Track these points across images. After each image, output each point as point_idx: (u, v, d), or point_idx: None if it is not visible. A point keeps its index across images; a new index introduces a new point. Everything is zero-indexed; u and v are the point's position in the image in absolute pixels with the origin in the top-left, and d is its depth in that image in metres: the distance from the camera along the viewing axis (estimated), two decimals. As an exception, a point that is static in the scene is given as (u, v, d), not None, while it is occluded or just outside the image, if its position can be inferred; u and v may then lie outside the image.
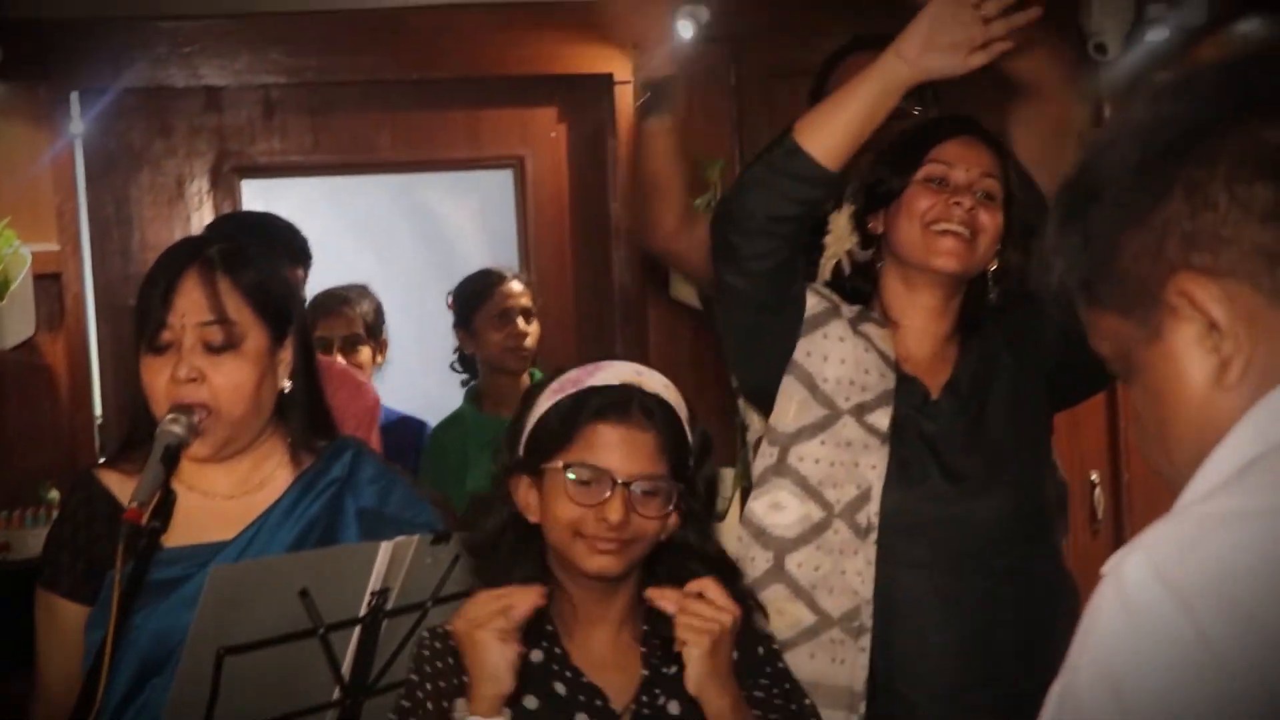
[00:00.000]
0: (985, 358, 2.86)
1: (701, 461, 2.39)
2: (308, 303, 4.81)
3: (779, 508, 2.73)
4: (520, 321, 4.76)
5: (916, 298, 2.84)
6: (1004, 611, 2.74)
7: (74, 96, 5.47)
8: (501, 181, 5.95)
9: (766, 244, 2.69)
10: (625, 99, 5.68)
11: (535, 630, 2.30)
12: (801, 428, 2.75)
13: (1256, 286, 1.20)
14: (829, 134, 2.66)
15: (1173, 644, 1.07)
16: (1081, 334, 2.77)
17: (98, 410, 5.38)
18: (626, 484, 2.27)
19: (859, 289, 2.87)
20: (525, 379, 4.76)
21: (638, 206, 3.48)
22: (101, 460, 2.66)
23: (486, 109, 5.83)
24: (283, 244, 3.98)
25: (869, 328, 2.82)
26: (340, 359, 4.79)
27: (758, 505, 2.75)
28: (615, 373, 2.35)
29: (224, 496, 2.56)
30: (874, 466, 2.74)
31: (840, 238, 2.89)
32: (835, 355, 2.78)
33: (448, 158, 5.89)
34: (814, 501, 2.72)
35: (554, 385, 2.36)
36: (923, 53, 2.62)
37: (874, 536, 2.71)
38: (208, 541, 2.50)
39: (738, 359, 2.91)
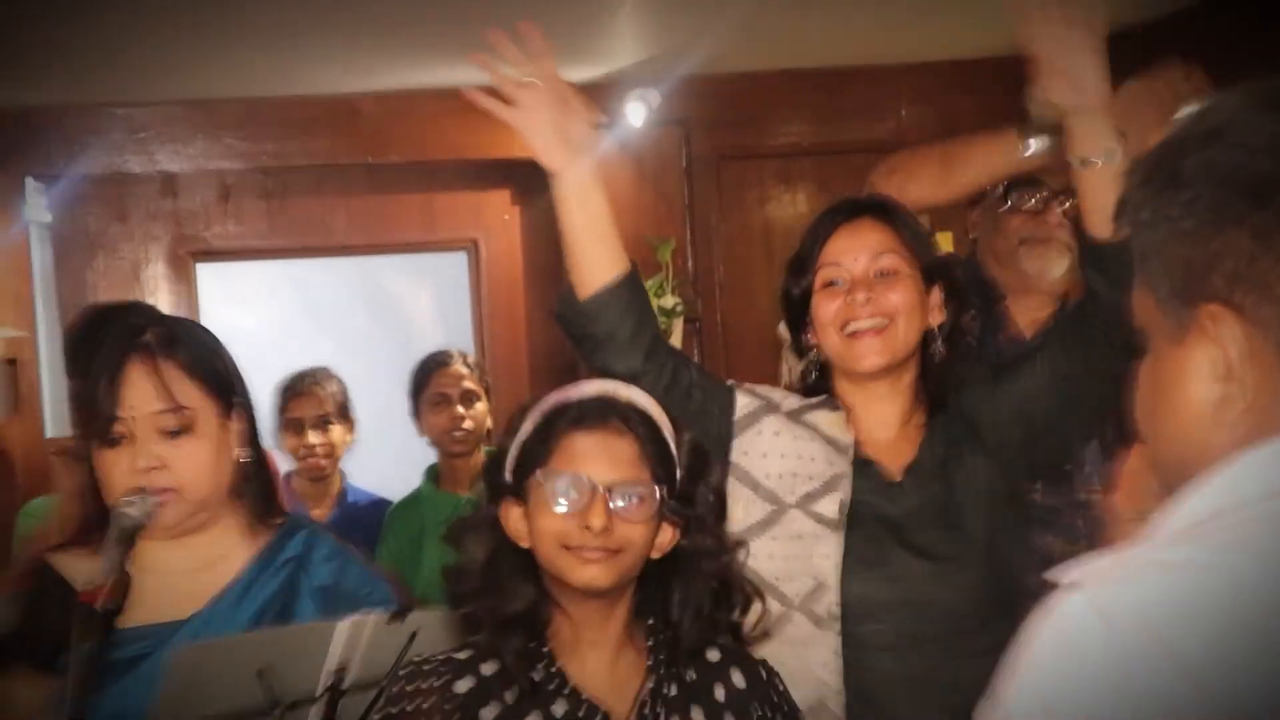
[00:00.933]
0: (951, 438, 2.81)
1: (697, 471, 2.36)
2: (278, 385, 4.84)
3: None
4: (458, 406, 4.75)
5: (865, 389, 2.80)
6: (977, 692, 2.68)
7: (29, 182, 5.51)
8: (456, 263, 6.01)
9: (645, 380, 2.65)
10: (578, 181, 5.72)
11: (533, 652, 2.28)
12: (749, 526, 2.71)
13: None
14: (578, 271, 2.72)
15: (1101, 671, 1.11)
16: (1035, 409, 2.79)
17: (54, 492, 5.36)
18: (607, 490, 2.26)
19: (818, 386, 2.85)
20: (480, 458, 4.73)
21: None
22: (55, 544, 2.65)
23: (441, 192, 5.89)
24: None
25: (816, 416, 2.79)
26: (314, 438, 4.81)
27: None
28: (591, 387, 2.35)
29: (180, 574, 2.53)
30: (827, 556, 2.69)
31: (789, 351, 2.90)
32: (774, 451, 2.75)
33: (403, 240, 5.94)
34: (771, 597, 2.69)
35: (534, 410, 2.35)
36: (556, 153, 2.66)
37: (837, 626, 2.66)
38: (164, 621, 2.48)
39: None
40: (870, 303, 2.72)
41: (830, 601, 2.67)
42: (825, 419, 2.78)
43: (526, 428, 2.33)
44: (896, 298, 2.74)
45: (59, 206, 5.59)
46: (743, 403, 2.78)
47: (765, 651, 2.66)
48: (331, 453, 4.86)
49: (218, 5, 4.28)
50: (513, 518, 2.32)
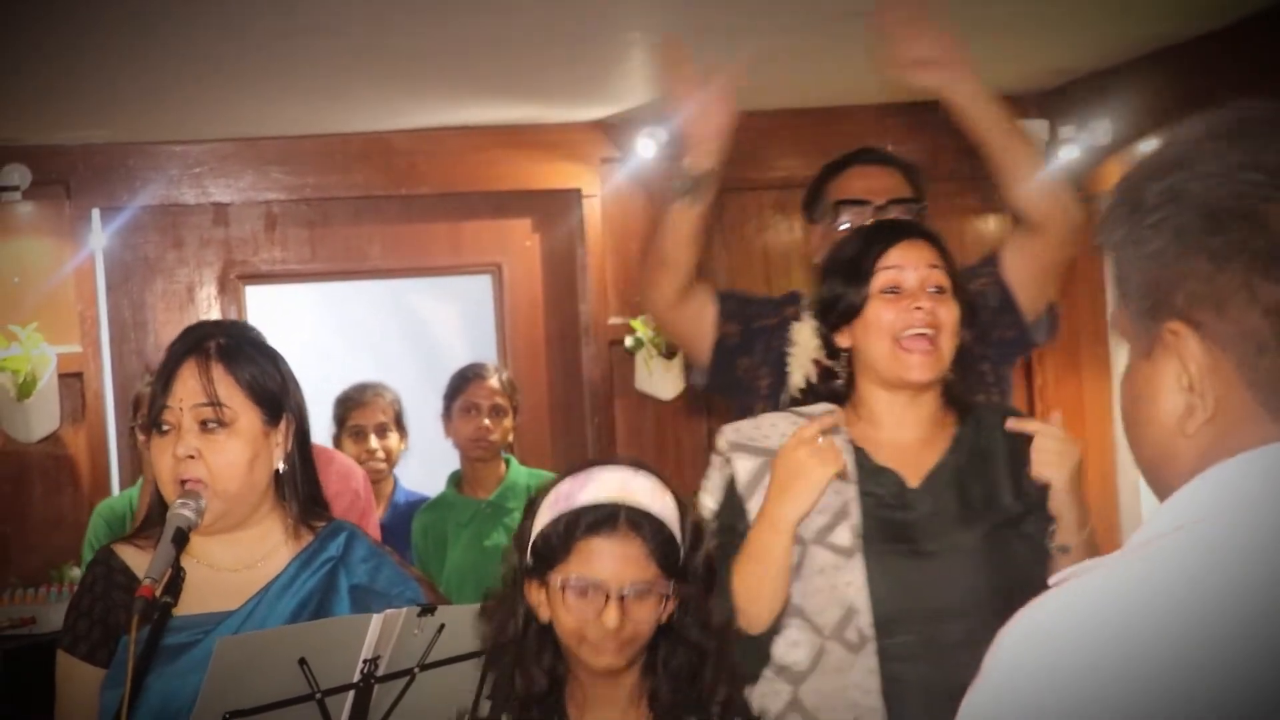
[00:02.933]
0: (978, 449, 2.70)
1: (694, 545, 2.34)
2: (339, 396, 4.85)
3: (795, 645, 2.60)
4: (486, 418, 4.70)
5: (893, 394, 2.69)
6: None
7: (95, 213, 5.52)
8: (481, 286, 5.98)
9: None
10: (592, 211, 5.72)
11: (549, 714, 2.29)
12: None
13: (1239, 365, 1.18)
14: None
15: (1069, 677, 1.10)
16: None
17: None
18: (619, 591, 2.25)
19: (835, 391, 2.74)
20: (500, 465, 4.75)
21: (646, 275, 3.39)
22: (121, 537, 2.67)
23: (467, 221, 5.86)
24: None
25: None
26: (375, 442, 4.79)
27: (776, 645, 2.62)
28: (604, 487, 2.31)
29: (229, 569, 2.53)
30: (850, 583, 2.59)
31: (806, 349, 2.79)
32: None
33: (432, 265, 5.93)
34: (810, 631, 2.59)
35: (551, 497, 2.33)
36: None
37: (872, 647, 2.57)
38: (213, 611, 2.48)
39: None
40: (926, 313, 2.64)
41: (862, 624, 2.58)
42: None
43: (544, 518, 2.31)
44: (944, 313, 2.66)
45: (122, 235, 5.60)
46: (744, 467, 2.68)
47: (809, 683, 2.58)
48: (389, 458, 4.84)
49: (267, 54, 4.29)
50: (534, 593, 2.31)
